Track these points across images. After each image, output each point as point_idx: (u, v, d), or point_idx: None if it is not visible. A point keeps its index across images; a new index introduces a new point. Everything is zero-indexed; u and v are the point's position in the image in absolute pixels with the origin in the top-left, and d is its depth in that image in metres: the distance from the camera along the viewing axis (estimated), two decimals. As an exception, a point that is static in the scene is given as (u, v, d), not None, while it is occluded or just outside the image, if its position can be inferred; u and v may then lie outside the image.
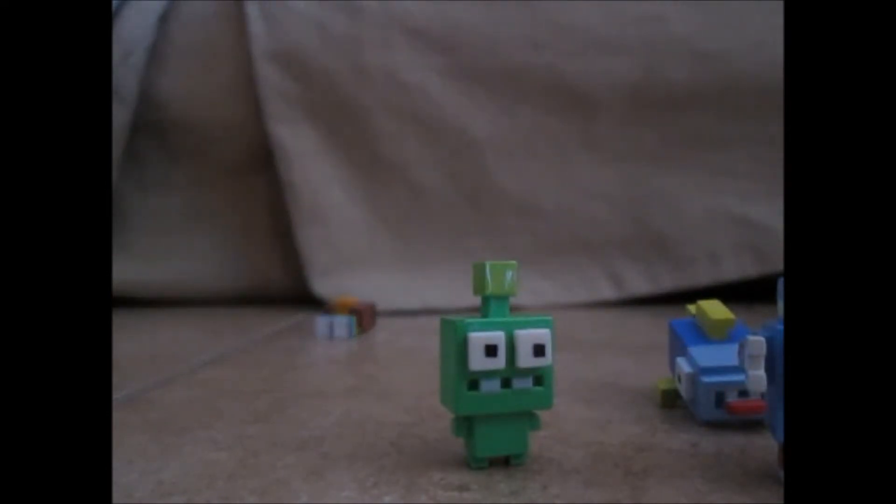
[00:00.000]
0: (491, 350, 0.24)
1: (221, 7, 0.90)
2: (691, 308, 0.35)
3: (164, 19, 0.91)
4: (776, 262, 0.83)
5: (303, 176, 0.88)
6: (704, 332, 0.33)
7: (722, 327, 0.32)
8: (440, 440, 0.29)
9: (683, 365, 0.32)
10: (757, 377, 0.23)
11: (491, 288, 0.25)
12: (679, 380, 0.32)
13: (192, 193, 0.94)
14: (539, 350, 0.25)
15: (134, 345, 0.59)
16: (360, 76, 0.87)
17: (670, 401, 0.34)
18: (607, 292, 0.86)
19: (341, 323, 0.61)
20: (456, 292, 0.82)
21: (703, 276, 0.85)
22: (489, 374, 0.25)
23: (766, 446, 0.28)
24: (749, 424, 0.31)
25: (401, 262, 0.88)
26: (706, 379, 0.30)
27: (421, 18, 0.88)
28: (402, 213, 0.89)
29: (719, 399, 0.30)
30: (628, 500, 0.23)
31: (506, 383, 0.25)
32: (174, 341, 0.61)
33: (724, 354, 0.31)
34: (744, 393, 0.30)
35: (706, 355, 0.31)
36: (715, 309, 0.33)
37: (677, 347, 0.34)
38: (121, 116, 0.87)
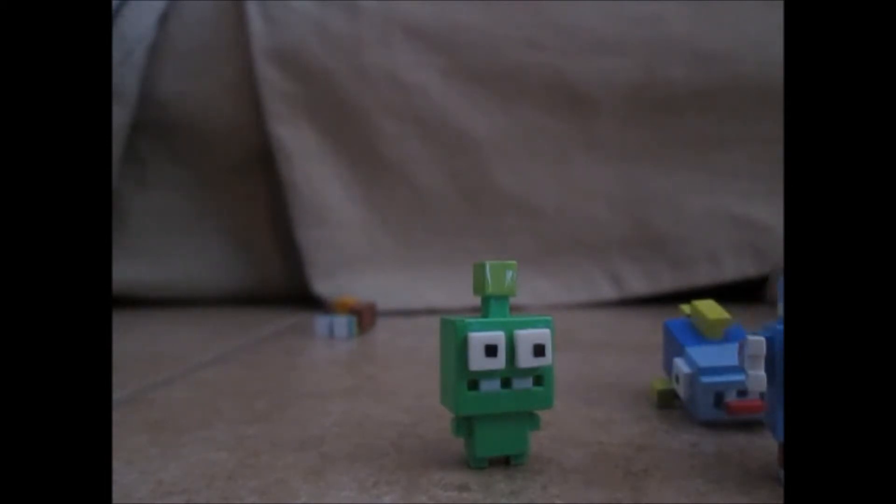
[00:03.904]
0: (491, 350, 0.24)
1: (221, 7, 0.90)
2: (685, 308, 0.35)
3: (164, 19, 0.91)
4: (776, 263, 0.83)
5: (303, 176, 0.88)
6: (700, 332, 0.33)
7: (718, 327, 0.32)
8: (440, 440, 0.29)
9: (682, 365, 0.32)
10: (757, 377, 0.23)
11: (491, 288, 0.25)
12: (677, 380, 0.32)
13: (193, 193, 0.94)
14: (539, 350, 0.25)
15: (134, 345, 0.59)
16: (360, 76, 0.87)
17: (667, 401, 0.34)
18: (607, 292, 0.86)
19: (341, 323, 0.61)
20: (456, 292, 0.82)
21: (703, 276, 0.85)
22: (489, 374, 0.25)
23: (766, 446, 0.28)
24: (749, 424, 0.31)
25: (401, 262, 0.88)
26: (705, 379, 0.30)
27: (421, 18, 0.88)
28: (403, 213, 0.89)
29: (718, 399, 0.30)
30: (628, 500, 0.23)
31: (506, 383, 0.25)
32: (174, 341, 0.61)
33: (722, 354, 0.31)
34: (742, 393, 0.30)
35: (704, 355, 0.31)
36: (711, 309, 0.33)
37: (673, 348, 0.34)
38: (121, 116, 0.87)
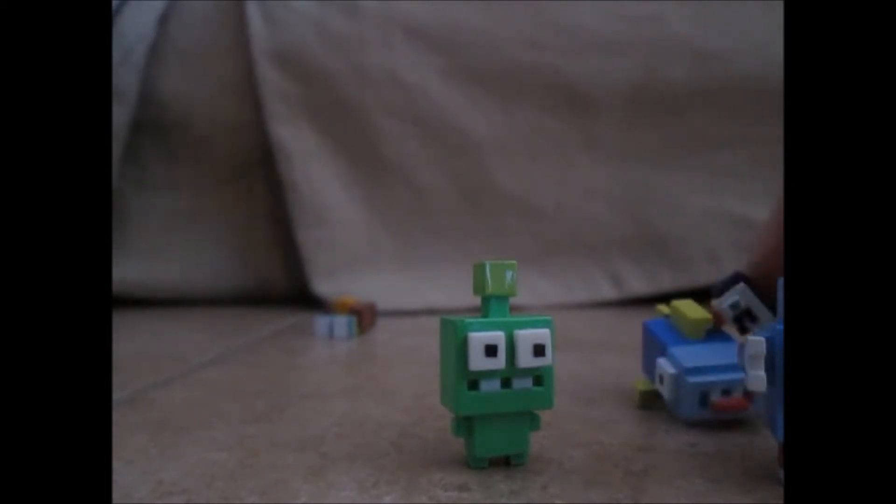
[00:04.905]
0: (491, 350, 0.24)
1: (221, 7, 0.90)
2: (664, 309, 0.35)
3: (164, 19, 0.91)
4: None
5: (303, 176, 0.88)
6: (681, 332, 0.33)
7: (699, 326, 0.32)
8: (440, 440, 0.29)
9: (666, 366, 0.31)
10: (757, 377, 0.23)
11: (491, 288, 0.25)
12: (661, 381, 0.32)
13: (192, 193, 0.93)
14: (539, 350, 0.25)
15: (134, 345, 0.59)
16: (360, 76, 0.87)
17: (649, 402, 0.34)
18: (607, 292, 0.86)
19: (341, 323, 0.61)
20: (456, 292, 0.82)
21: (703, 276, 0.85)
22: (489, 374, 0.25)
23: (766, 446, 0.28)
24: (749, 424, 0.31)
25: (401, 262, 0.88)
26: (692, 379, 0.30)
27: (421, 18, 0.88)
28: (403, 213, 0.89)
29: (703, 398, 0.30)
30: (628, 500, 0.23)
31: (506, 383, 0.25)
32: (174, 341, 0.61)
33: (705, 354, 0.31)
34: (727, 392, 0.30)
35: (688, 355, 0.31)
36: (691, 308, 0.33)
37: (654, 348, 0.34)
38: (121, 116, 0.87)
